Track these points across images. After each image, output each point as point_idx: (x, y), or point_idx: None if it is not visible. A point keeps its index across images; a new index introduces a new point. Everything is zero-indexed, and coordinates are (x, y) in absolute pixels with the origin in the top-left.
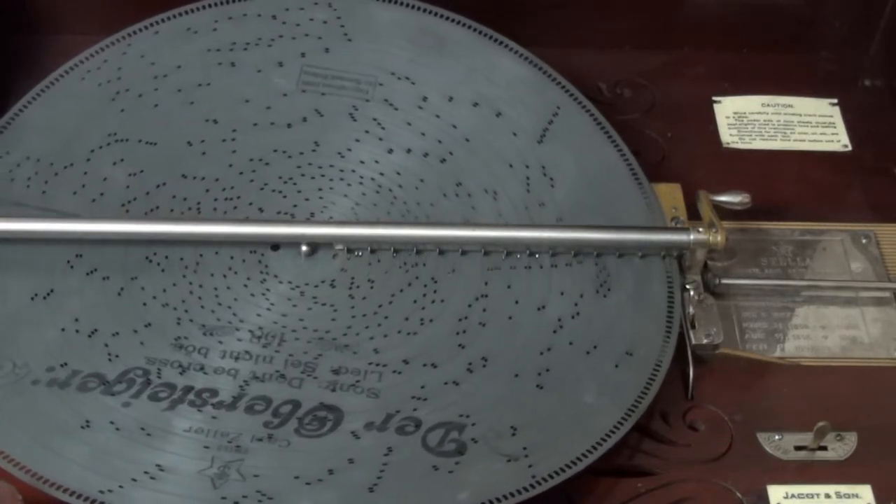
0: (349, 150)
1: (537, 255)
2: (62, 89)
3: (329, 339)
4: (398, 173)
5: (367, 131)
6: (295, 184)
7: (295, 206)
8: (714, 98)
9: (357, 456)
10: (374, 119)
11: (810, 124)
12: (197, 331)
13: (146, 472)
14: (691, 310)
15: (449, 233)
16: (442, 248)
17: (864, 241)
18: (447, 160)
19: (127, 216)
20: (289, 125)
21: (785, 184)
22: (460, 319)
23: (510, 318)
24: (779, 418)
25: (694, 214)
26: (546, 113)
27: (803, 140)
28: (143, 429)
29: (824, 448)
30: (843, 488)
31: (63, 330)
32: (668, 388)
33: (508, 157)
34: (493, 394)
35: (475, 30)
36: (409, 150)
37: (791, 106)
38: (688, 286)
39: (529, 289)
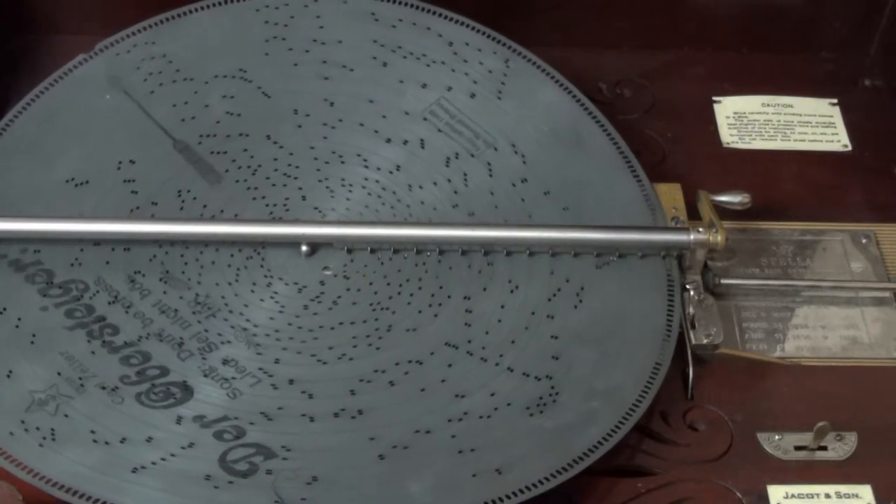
0: (420, 187)
1: (501, 355)
2: (234, 11)
3: (250, 333)
4: None
5: (449, 180)
6: (350, 191)
7: (333, 209)
8: (714, 98)
9: (158, 437)
10: (464, 174)
11: (810, 124)
12: (157, 274)
13: None
14: (691, 310)
15: (449, 233)
16: (442, 247)
17: (864, 241)
18: None
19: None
20: (388, 140)
21: (785, 184)
22: (376, 371)
23: (423, 390)
24: (779, 418)
25: (694, 214)
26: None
27: (803, 140)
28: (33, 335)
29: (824, 448)
30: (843, 488)
31: None
32: (668, 388)
33: (555, 266)
34: (330, 443)
35: (616, 144)
36: (471, 213)
37: (791, 106)
38: (688, 286)
39: (466, 376)
